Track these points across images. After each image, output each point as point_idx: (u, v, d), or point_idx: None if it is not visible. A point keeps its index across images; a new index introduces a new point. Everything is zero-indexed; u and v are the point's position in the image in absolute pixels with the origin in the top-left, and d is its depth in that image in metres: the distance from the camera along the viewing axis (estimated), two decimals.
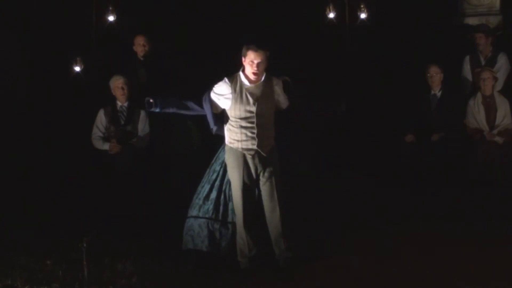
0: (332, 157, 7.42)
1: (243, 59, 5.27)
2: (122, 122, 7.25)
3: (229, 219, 5.47)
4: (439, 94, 7.71)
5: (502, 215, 6.38)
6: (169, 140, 7.40)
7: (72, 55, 8.35)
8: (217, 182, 5.54)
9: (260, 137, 5.26)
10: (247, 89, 5.27)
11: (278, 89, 5.37)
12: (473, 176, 7.23)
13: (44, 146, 7.72)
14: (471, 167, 7.31)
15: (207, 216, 5.49)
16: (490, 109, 7.60)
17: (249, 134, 5.26)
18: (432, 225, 6.21)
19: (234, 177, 5.33)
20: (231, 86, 5.27)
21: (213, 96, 5.32)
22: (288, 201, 5.39)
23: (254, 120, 5.25)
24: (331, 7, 9.09)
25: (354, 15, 9.16)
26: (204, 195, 5.56)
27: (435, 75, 7.67)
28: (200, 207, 5.53)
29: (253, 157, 5.27)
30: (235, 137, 5.30)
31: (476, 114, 7.60)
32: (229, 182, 5.46)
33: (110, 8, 8.96)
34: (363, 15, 9.06)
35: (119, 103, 7.28)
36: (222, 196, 5.51)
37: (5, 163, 7.36)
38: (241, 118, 5.25)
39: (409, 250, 5.69)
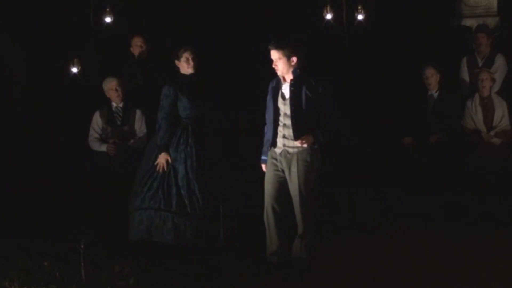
0: (332, 157, 7.42)
1: None
2: (119, 123, 7.22)
3: (191, 211, 5.68)
4: (436, 95, 7.69)
5: (500, 216, 6.39)
6: None
7: (70, 56, 8.33)
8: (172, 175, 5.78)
9: (287, 137, 5.23)
10: (281, 88, 5.28)
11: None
12: (471, 177, 7.22)
13: (42, 148, 7.70)
14: (469, 168, 7.31)
15: (171, 209, 5.70)
16: (488, 110, 7.60)
17: (278, 132, 5.27)
18: (430, 226, 6.22)
19: (266, 173, 5.37)
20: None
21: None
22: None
23: (282, 119, 5.25)
24: (328, 8, 9.09)
25: (352, 17, 9.17)
26: (160, 188, 5.78)
27: (431, 76, 7.65)
28: (159, 199, 5.75)
29: (280, 155, 5.26)
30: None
31: (474, 115, 7.60)
32: (187, 174, 5.72)
33: (107, 9, 8.95)
34: (360, 17, 9.07)
35: (114, 104, 7.25)
36: (183, 190, 5.72)
37: (3, 164, 7.34)
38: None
39: (409, 250, 5.69)
